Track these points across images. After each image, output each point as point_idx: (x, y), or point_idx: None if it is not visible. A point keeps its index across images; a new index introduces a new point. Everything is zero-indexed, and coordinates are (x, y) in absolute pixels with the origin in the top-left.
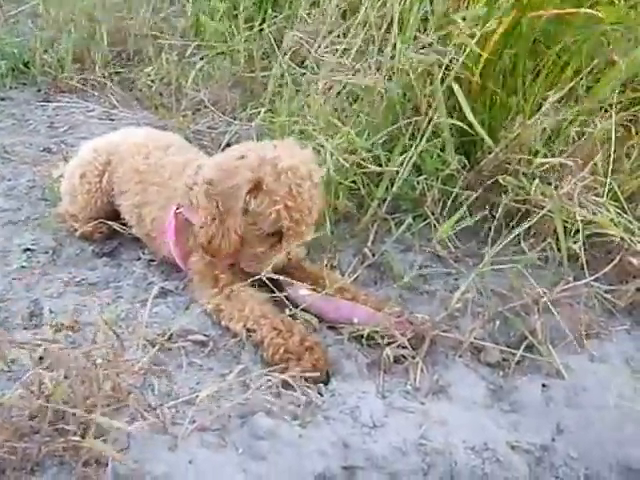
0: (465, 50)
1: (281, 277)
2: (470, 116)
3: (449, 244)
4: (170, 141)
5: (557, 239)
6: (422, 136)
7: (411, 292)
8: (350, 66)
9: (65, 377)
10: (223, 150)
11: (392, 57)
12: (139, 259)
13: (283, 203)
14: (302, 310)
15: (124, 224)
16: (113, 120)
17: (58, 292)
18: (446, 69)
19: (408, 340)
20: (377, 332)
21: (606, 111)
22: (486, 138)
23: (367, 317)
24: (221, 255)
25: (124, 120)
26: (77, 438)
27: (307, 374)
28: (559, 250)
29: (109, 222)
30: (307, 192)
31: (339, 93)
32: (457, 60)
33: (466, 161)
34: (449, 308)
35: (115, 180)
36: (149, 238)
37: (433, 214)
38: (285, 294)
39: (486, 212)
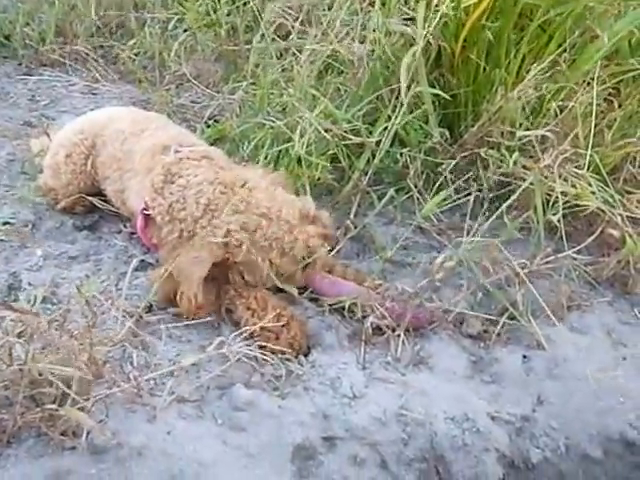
0: (446, 22)
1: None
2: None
3: (432, 217)
4: (148, 124)
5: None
6: (402, 106)
7: (394, 265)
8: (333, 38)
9: (43, 348)
10: (206, 123)
11: (374, 30)
12: (120, 232)
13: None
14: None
15: (108, 202)
16: (95, 94)
17: (37, 265)
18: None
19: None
20: (356, 304)
21: (589, 84)
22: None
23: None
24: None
25: (106, 94)
26: (54, 407)
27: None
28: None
29: (89, 197)
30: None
31: (322, 66)
32: (441, 33)
33: (450, 134)
34: (430, 277)
35: (99, 165)
36: (135, 217)
37: (416, 187)
38: None
39: (468, 185)
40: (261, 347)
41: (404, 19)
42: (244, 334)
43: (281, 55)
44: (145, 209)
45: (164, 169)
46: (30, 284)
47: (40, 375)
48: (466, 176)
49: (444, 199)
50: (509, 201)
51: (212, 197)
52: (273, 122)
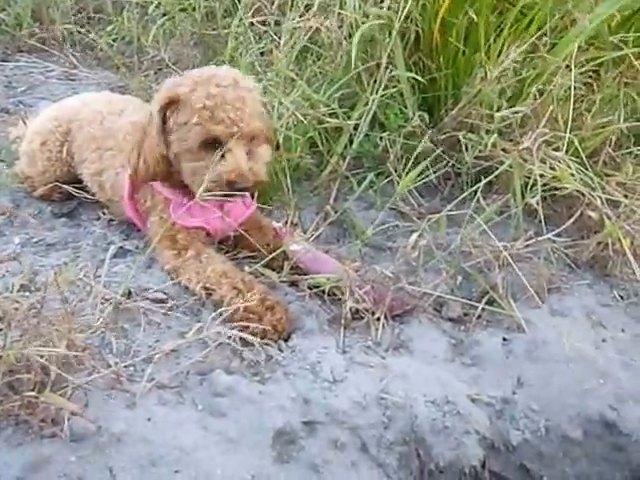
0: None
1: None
2: None
3: (412, 201)
4: (126, 105)
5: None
6: (379, 89)
7: (374, 249)
8: (312, 21)
9: (21, 335)
10: None
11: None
12: (99, 219)
13: (202, 105)
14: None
15: (85, 189)
16: (73, 80)
17: (15, 253)
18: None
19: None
20: (338, 288)
21: (568, 68)
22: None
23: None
24: (146, 178)
25: (84, 80)
26: (33, 394)
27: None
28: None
29: (64, 186)
30: (231, 91)
31: (301, 50)
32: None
33: (430, 118)
34: (405, 257)
35: (75, 150)
36: (112, 203)
37: (396, 171)
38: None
39: (448, 169)
40: (242, 329)
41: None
42: (224, 316)
43: (260, 38)
44: None
45: None
46: (8, 272)
47: (18, 362)
48: (445, 159)
49: (420, 175)
50: (484, 181)
51: None
52: None
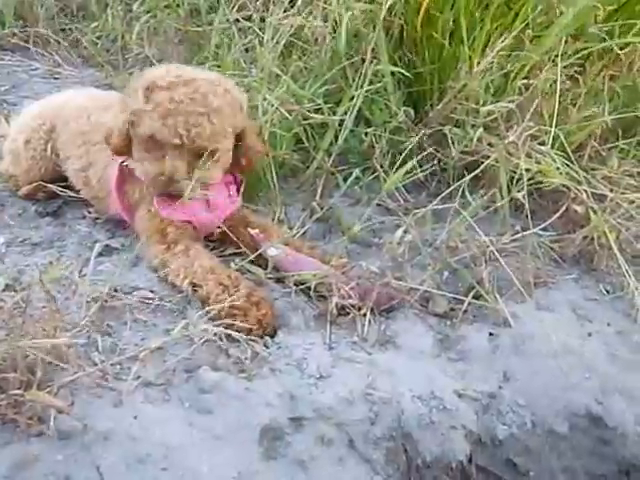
0: None
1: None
2: None
3: (398, 197)
4: (111, 101)
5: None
6: (364, 84)
7: (360, 245)
8: (297, 16)
9: (6, 335)
10: None
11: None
12: (84, 218)
13: (165, 105)
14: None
15: (70, 187)
16: (57, 79)
17: (0, 252)
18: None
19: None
20: (323, 284)
21: (553, 61)
22: None
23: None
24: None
25: (69, 79)
26: (19, 392)
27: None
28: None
29: (49, 185)
30: (196, 106)
31: (285, 45)
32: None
33: (416, 113)
34: (391, 253)
35: (60, 146)
36: (97, 199)
37: (382, 167)
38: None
39: (434, 164)
40: (228, 326)
41: None
42: (210, 314)
43: (245, 34)
44: (123, 161)
45: None
46: None
47: (4, 361)
48: (432, 155)
49: (407, 173)
50: (470, 176)
51: None
52: None
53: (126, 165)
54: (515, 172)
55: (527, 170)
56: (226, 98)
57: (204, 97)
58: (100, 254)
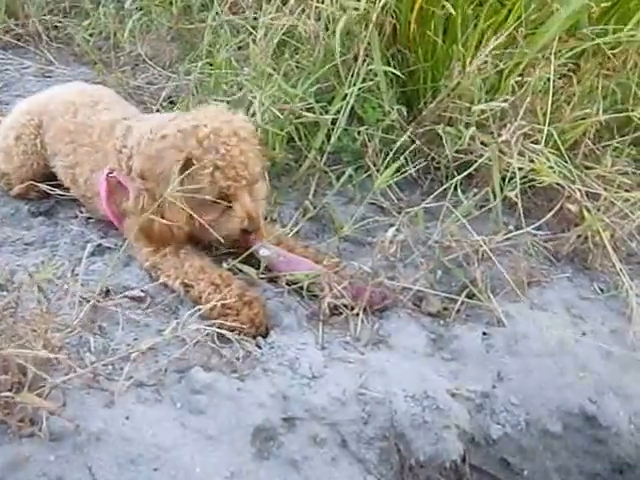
0: None
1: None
2: None
3: (391, 195)
4: (99, 97)
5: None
6: (356, 82)
7: (353, 244)
8: (289, 16)
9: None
10: (162, 105)
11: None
12: (76, 217)
13: (213, 166)
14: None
15: (61, 185)
16: (49, 77)
17: None
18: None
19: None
20: (315, 284)
21: (547, 59)
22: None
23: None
24: (170, 242)
25: (61, 77)
26: (10, 394)
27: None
28: (502, 199)
29: (40, 184)
30: (236, 148)
31: (278, 44)
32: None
33: (409, 112)
34: (384, 252)
35: (48, 141)
36: (85, 199)
37: (374, 165)
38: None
39: (427, 163)
40: (220, 326)
41: None
42: (202, 313)
43: (238, 32)
44: (110, 173)
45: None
46: None
47: None
48: (425, 153)
49: (397, 170)
50: (463, 175)
51: None
52: (228, 102)
53: (113, 176)
54: (508, 170)
55: (520, 169)
56: (243, 128)
57: (235, 134)
58: (92, 254)
